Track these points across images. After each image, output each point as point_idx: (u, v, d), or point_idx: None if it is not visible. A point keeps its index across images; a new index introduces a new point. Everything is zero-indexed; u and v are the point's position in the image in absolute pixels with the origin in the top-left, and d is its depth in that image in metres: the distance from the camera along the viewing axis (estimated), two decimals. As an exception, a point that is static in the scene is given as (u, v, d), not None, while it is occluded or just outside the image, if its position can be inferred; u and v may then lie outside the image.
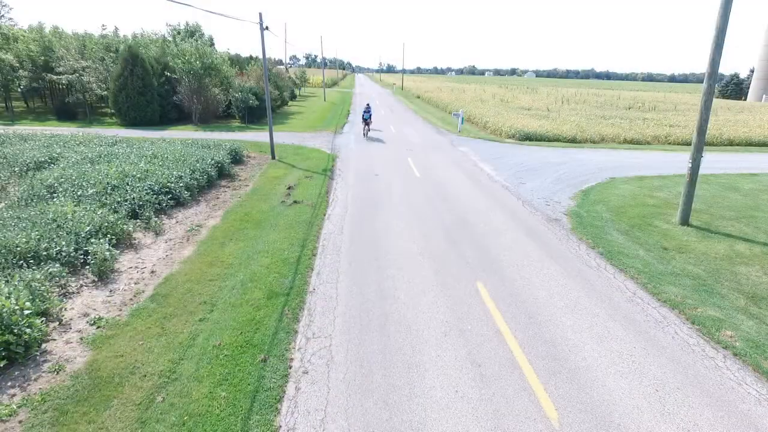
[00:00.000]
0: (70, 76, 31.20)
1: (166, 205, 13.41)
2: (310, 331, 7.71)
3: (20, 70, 32.73)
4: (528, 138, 29.55)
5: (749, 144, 31.61)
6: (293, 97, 55.77)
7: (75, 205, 11.49)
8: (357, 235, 12.04)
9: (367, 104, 29.74)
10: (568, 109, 47.55)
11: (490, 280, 9.63)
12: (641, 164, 22.98)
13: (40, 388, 6.20)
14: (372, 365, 6.84)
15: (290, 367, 6.81)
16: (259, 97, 33.34)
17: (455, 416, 5.88)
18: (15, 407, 5.82)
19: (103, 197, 12.33)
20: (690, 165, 13.23)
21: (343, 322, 7.97)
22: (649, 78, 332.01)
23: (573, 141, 29.66)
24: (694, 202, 14.46)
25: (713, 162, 23.64)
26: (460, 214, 14.01)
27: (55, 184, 13.02)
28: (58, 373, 6.53)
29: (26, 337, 6.77)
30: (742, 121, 40.66)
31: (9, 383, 6.28)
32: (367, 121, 28.61)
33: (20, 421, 5.64)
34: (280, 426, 5.69)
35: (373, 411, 5.94)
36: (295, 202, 14.79)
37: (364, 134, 29.00)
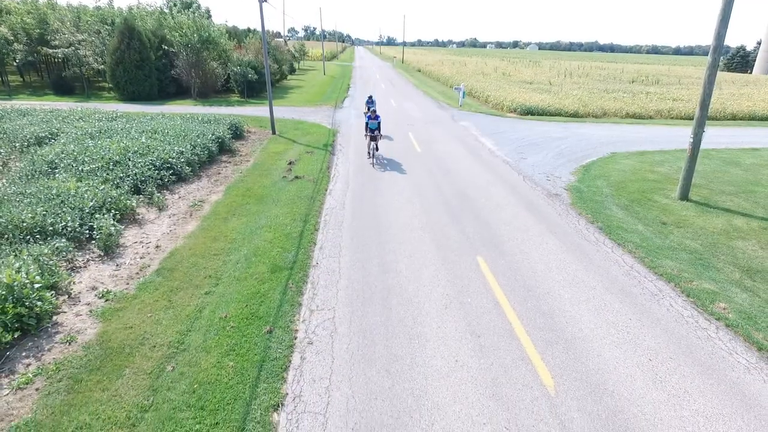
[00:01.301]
0: (66, 50, 30.75)
1: (168, 181, 13.48)
2: (314, 304, 7.90)
3: (15, 44, 32.22)
4: (530, 112, 29.33)
5: (752, 118, 31.38)
6: (292, 70, 55.01)
7: (77, 181, 11.56)
8: (359, 210, 12.14)
9: (370, 96, 21.86)
10: (571, 82, 46.99)
11: (490, 255, 9.78)
12: (643, 139, 22.90)
13: (53, 358, 6.41)
14: (374, 336, 7.04)
15: (295, 338, 7.02)
16: (258, 71, 32.94)
17: (455, 384, 6.10)
18: (31, 376, 6.03)
19: (105, 173, 12.38)
20: (691, 140, 13.22)
21: (346, 295, 8.16)
22: (654, 51, 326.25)
23: (575, 115, 29.45)
24: (694, 177, 14.52)
25: (715, 137, 23.55)
26: (460, 189, 14.08)
27: (56, 160, 13.05)
28: (70, 343, 6.74)
29: (37, 309, 6.95)
30: (746, 95, 40.23)
31: (23, 353, 6.48)
32: (373, 132, 17.00)
33: (37, 389, 5.86)
34: (287, 393, 5.92)
35: (375, 379, 6.16)
36: (296, 177, 14.84)
37: (369, 154, 17.27)
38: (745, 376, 6.33)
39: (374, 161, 16.95)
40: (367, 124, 17.20)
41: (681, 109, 31.32)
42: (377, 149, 17.60)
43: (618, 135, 23.70)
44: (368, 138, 17.15)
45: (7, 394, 5.74)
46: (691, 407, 5.77)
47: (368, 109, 19.65)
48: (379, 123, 17.03)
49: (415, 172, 15.88)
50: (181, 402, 5.73)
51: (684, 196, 13.64)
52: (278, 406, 5.72)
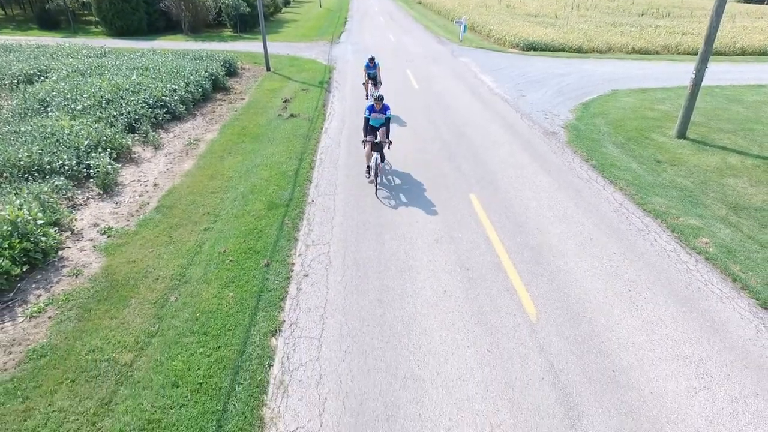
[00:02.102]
0: (48, -20, 29.22)
1: (162, 119, 13.37)
2: (309, 239, 8.17)
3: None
4: (532, 48, 28.35)
5: (763, 53, 30.36)
6: (287, 3, 52.46)
7: (71, 120, 11.49)
8: (354, 149, 12.15)
9: (371, 58, 14.69)
10: (577, 15, 44.94)
11: (483, 192, 9.94)
12: (647, 75, 22.33)
13: (62, 290, 6.75)
14: (367, 269, 7.35)
15: (292, 271, 7.34)
16: (251, 3, 31.47)
17: (442, 312, 6.47)
18: (42, 305, 6.39)
19: (98, 111, 12.27)
20: (693, 76, 12.96)
21: (341, 231, 8.41)
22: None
23: (579, 51, 28.49)
24: (694, 115, 14.36)
25: (721, 73, 22.94)
26: (457, 127, 13.99)
27: (48, 98, 12.89)
28: (76, 277, 7.06)
29: (43, 245, 7.22)
30: (759, 28, 38.62)
31: (33, 285, 6.82)
32: (375, 133, 10.29)
33: (49, 317, 6.23)
34: (284, 320, 6.30)
35: (368, 308, 6.53)
36: (291, 115, 14.69)
37: (368, 172, 10.54)
38: (716, 304, 6.70)
39: (378, 183, 10.11)
40: (367, 120, 10.08)
41: (690, 43, 30.21)
42: (382, 161, 10.39)
43: (622, 72, 23.08)
44: (368, 146, 9.96)
45: (22, 322, 6.11)
46: (662, 332, 6.16)
47: (368, 77, 14.73)
48: (387, 119, 10.11)
49: (412, 109, 15.68)
50: (185, 328, 6.12)
51: (681, 135, 13.58)
52: (276, 332, 6.12)
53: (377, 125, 10.15)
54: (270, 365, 5.61)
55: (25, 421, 4.82)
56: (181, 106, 14.24)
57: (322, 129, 13.71)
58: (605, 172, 11.07)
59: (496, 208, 9.31)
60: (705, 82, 17.76)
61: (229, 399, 5.14)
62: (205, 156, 11.59)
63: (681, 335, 6.11)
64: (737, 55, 29.82)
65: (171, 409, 5.02)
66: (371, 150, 9.94)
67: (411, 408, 5.04)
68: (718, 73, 22.60)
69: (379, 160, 9.85)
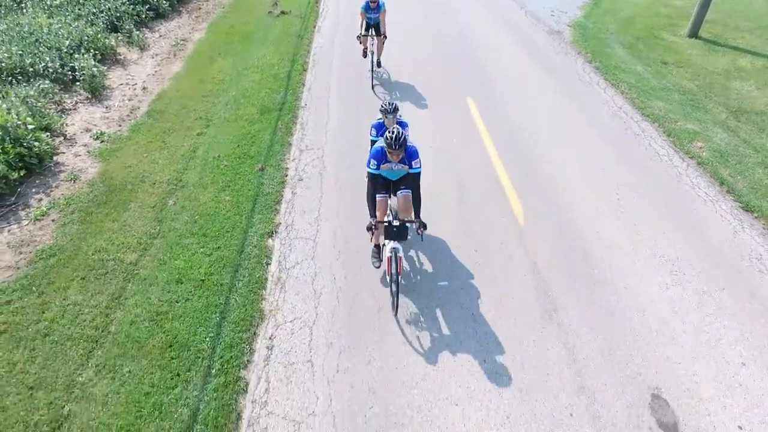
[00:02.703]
0: None
1: (146, 18, 12.62)
2: (303, 144, 8.16)
3: None
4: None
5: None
6: None
7: (48, 17, 10.85)
8: (349, 49, 11.62)
9: None
10: None
11: (481, 95, 9.69)
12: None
13: (62, 194, 6.90)
14: (362, 174, 7.43)
15: (286, 176, 7.43)
16: None
17: (433, 212, 6.66)
18: (45, 209, 6.58)
19: (77, 8, 11.54)
20: (714, -34, 11.95)
21: (335, 136, 8.36)
22: None
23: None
24: (711, 11, 13.46)
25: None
26: (457, 28, 13.23)
27: (21, -7, 12.02)
28: (74, 181, 7.17)
29: (36, 150, 7.23)
30: None
31: (33, 190, 6.96)
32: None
33: (53, 220, 6.45)
34: (280, 223, 6.53)
35: (360, 210, 6.69)
36: (282, 12, 13.83)
37: (392, 294, 5.31)
38: (701, 207, 6.88)
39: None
40: (373, 175, 5.23)
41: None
42: (399, 272, 5.17)
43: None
44: (376, 233, 5.33)
45: (27, 224, 6.34)
46: (642, 233, 6.41)
47: (365, 25, 9.58)
48: (416, 176, 5.21)
49: (410, 8, 14.70)
50: (185, 230, 6.36)
51: (694, 34, 12.86)
52: (272, 233, 6.37)
53: (394, 179, 5.45)
54: (267, 264, 5.93)
55: (43, 312, 5.22)
56: (165, 1, 13.34)
57: (314, 28, 12.98)
58: (608, 75, 10.68)
59: (491, 111, 9.14)
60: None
61: (230, 294, 5.52)
62: (194, 57, 11.13)
63: (660, 236, 6.36)
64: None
65: (177, 302, 5.41)
66: (384, 237, 5.21)
67: (399, 300, 5.40)
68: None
69: (399, 252, 5.14)
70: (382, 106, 5.84)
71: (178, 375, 4.66)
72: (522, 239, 6.31)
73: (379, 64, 10.49)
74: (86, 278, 5.64)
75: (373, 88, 9.55)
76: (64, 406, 4.38)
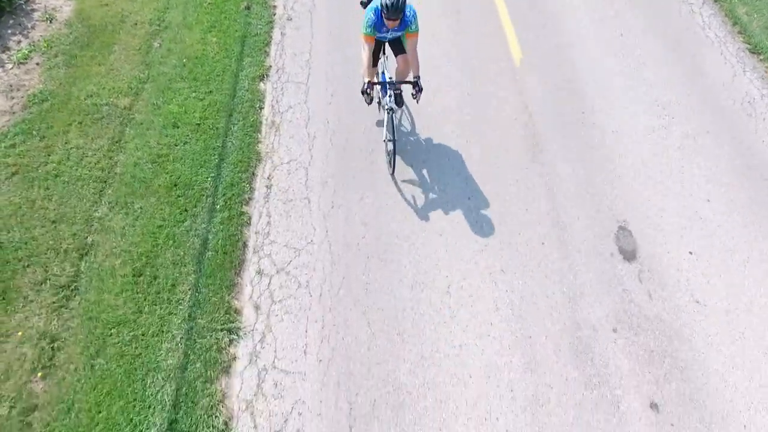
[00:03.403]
0: None
1: None
2: (290, -22, 7.51)
3: None
4: None
5: None
6: None
7: None
8: None
9: None
10: None
11: None
12: None
13: (41, 36, 6.59)
14: (355, 12, 6.96)
15: (274, 15, 7.02)
16: None
17: (428, 58, 6.47)
18: (26, 52, 6.35)
19: None
20: None
21: (324, -31, 7.64)
22: None
23: None
24: None
25: None
26: None
27: None
28: (51, 22, 6.78)
29: (2, -15, 6.70)
30: None
31: (9, 32, 6.63)
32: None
33: (37, 63, 6.29)
34: (271, 66, 6.38)
35: (353, 54, 6.48)
36: None
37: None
38: (706, 50, 6.63)
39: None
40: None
41: None
42: (399, 105, 5.55)
43: None
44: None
45: (12, 68, 6.20)
46: (640, 76, 6.30)
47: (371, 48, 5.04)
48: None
49: None
50: (175, 74, 6.25)
51: None
52: (264, 77, 6.27)
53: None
54: (261, 108, 5.97)
55: (49, 155, 5.43)
56: None
57: None
58: None
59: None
60: None
61: (226, 137, 5.67)
62: None
63: (658, 79, 6.26)
64: None
65: (176, 146, 5.59)
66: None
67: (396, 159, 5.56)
68: None
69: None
70: None
71: (186, 210, 5.05)
72: (515, 80, 6.23)
73: (400, 102, 5.53)
74: (83, 123, 5.73)
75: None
76: (87, 237, 4.85)
